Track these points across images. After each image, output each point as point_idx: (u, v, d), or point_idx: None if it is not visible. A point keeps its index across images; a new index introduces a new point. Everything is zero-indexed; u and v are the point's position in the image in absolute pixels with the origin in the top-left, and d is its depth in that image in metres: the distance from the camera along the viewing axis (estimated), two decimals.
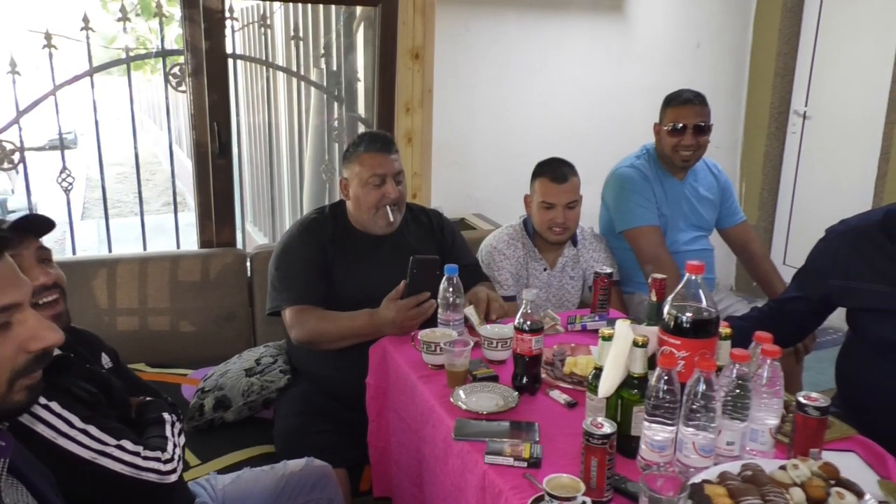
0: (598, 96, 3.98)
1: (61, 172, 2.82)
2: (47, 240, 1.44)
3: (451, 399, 1.54)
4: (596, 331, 1.91)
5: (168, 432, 1.43)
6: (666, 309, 1.33)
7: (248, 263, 2.70)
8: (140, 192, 3.01)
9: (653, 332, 1.37)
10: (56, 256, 1.49)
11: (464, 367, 1.62)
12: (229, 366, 2.35)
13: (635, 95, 3.94)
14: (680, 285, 1.33)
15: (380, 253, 2.15)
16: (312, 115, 3.62)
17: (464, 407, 1.50)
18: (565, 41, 3.84)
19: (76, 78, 2.69)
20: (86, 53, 2.66)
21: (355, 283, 2.07)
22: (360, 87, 3.32)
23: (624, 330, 1.34)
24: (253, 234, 5.17)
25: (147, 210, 2.98)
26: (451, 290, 1.80)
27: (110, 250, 2.96)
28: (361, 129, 3.21)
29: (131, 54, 2.86)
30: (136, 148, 2.89)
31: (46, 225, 1.38)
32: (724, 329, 1.37)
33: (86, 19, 2.65)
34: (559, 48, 3.84)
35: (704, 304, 1.31)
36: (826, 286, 1.75)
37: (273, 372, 2.24)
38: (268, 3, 2.92)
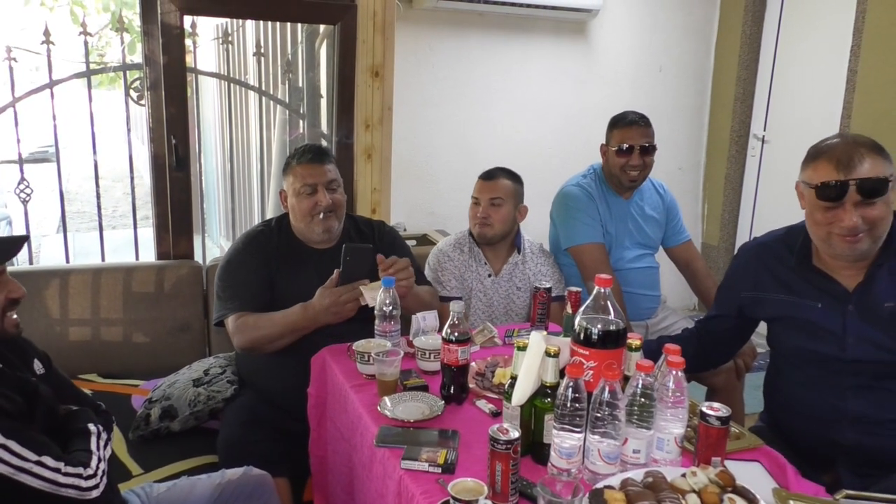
0: (559, 117, 4.07)
1: (19, 184, 2.85)
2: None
3: (378, 407, 1.57)
4: None
5: (93, 445, 1.44)
6: (576, 321, 1.38)
7: (204, 275, 2.74)
8: (99, 205, 3.04)
9: (567, 343, 1.42)
10: (8, 267, 1.53)
11: (394, 377, 1.66)
12: (178, 376, 2.37)
13: (597, 118, 3.98)
14: (590, 298, 1.38)
15: (322, 264, 2.18)
16: (277, 130, 3.67)
17: (389, 415, 1.54)
18: (528, 63, 3.93)
19: (35, 90, 2.73)
20: (64, 65, 2.71)
21: (298, 295, 2.10)
22: (324, 103, 3.37)
23: (537, 340, 1.38)
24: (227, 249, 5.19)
25: (124, 224, 3.04)
26: (388, 301, 1.84)
27: (67, 261, 2.98)
28: (324, 144, 3.26)
29: (93, 68, 2.90)
30: (94, 160, 2.91)
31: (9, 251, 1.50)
32: (634, 341, 1.42)
33: (46, 32, 2.69)
34: (522, 69, 3.92)
35: (612, 316, 1.36)
36: (738, 298, 1.83)
37: (220, 382, 2.27)
38: (231, 20, 2.96)
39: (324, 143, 3.25)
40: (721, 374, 2.33)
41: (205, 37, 4.13)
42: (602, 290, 1.36)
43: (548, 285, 2.11)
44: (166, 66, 2.63)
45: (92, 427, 1.50)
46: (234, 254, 2.23)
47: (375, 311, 1.86)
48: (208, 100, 5.50)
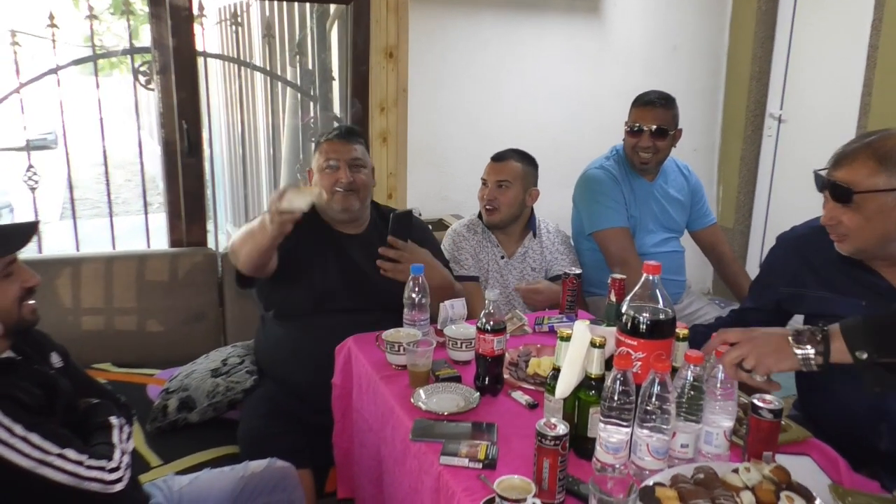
0: (573, 98, 3.98)
1: (27, 170, 2.79)
2: None
3: (412, 399, 1.52)
4: None
5: (115, 438, 1.40)
6: (623, 309, 1.32)
7: (219, 263, 2.68)
8: (108, 192, 2.98)
9: (611, 332, 1.37)
10: (20, 256, 1.49)
11: (426, 368, 1.61)
12: (196, 366, 2.32)
13: (611, 98, 3.94)
14: (637, 286, 1.32)
15: (344, 250, 2.15)
16: (288, 114, 3.59)
17: (424, 407, 1.49)
18: (540, 42, 3.84)
19: (41, 76, 2.66)
20: (65, 50, 2.63)
21: (316, 275, 2.08)
22: (336, 85, 3.30)
23: (581, 330, 1.33)
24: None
25: (130, 210, 2.99)
26: (416, 289, 1.79)
27: (77, 248, 2.92)
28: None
29: (100, 52, 2.82)
30: (103, 147, 2.85)
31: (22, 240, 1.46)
32: (682, 330, 1.36)
33: (51, 16, 2.62)
34: (534, 49, 3.84)
35: (661, 304, 1.31)
36: (777, 293, 1.76)
37: (239, 373, 2.22)
38: (240, 1, 2.88)
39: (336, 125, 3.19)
40: None
41: (210, 19, 4.04)
42: (651, 278, 1.31)
43: (578, 271, 2.06)
44: (175, 50, 2.56)
45: (114, 420, 1.46)
46: None
47: (404, 300, 1.81)
48: (214, 84, 5.42)
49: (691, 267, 2.96)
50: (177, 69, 2.58)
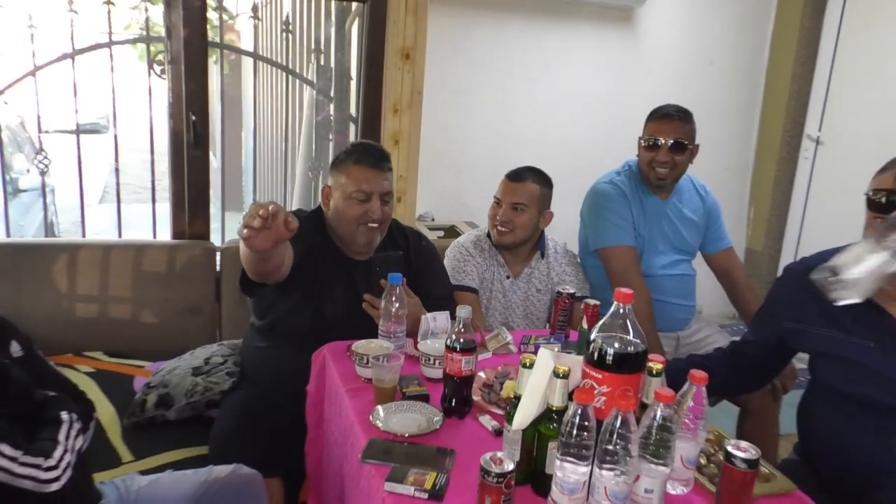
0: (601, 109, 3.87)
1: (37, 154, 2.80)
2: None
3: (370, 417, 1.45)
4: None
5: (62, 435, 1.35)
6: (593, 335, 1.23)
7: (218, 257, 2.65)
8: (117, 179, 2.97)
9: (580, 362, 1.27)
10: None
11: (392, 384, 1.53)
12: (180, 362, 2.29)
13: (640, 110, 3.76)
14: (608, 314, 1.23)
15: (351, 276, 2.04)
16: (306, 110, 3.56)
17: (381, 427, 1.42)
18: (570, 50, 3.74)
19: (55, 60, 2.66)
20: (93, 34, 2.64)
21: (318, 298, 1.98)
22: (354, 85, 3.25)
23: (545, 358, 1.24)
24: None
25: (161, 198, 3.00)
26: (393, 300, 1.71)
27: (119, 232, 2.95)
28: (352, 128, 3.14)
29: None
30: (115, 134, 2.85)
31: None
32: (656, 364, 1.26)
33: (70, 1, 2.62)
34: (563, 57, 3.74)
35: (632, 336, 1.21)
36: (779, 328, 1.64)
37: (220, 373, 2.17)
38: None
39: (352, 126, 3.14)
40: (756, 395, 2.15)
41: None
42: (622, 307, 1.21)
43: (571, 290, 1.96)
44: (186, 40, 2.54)
45: (65, 415, 1.41)
46: None
47: (381, 309, 1.73)
48: (248, 77, 5.44)
49: (713, 291, 2.81)
50: (187, 60, 2.55)
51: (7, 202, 2.93)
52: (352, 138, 3.12)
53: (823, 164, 4.02)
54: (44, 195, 3.19)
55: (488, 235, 2.43)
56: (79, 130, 2.90)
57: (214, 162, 3.30)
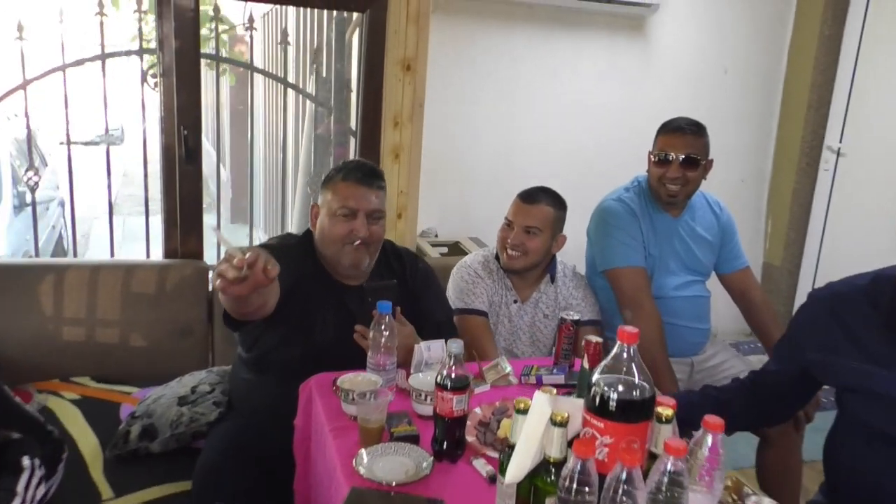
0: (611, 119, 3.74)
1: (27, 171, 2.73)
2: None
3: (353, 462, 1.33)
4: (554, 386, 1.70)
5: (21, 485, 1.25)
6: (592, 381, 1.10)
7: (211, 277, 2.55)
8: (109, 193, 2.89)
9: (580, 407, 1.15)
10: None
11: (378, 424, 1.41)
12: (166, 390, 2.18)
13: (652, 121, 3.63)
14: (610, 355, 1.10)
15: (348, 304, 1.90)
16: (306, 124, 3.47)
17: (363, 473, 1.30)
18: (579, 60, 3.62)
19: (45, 74, 2.58)
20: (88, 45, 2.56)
21: (315, 333, 1.85)
22: (354, 96, 3.15)
23: (541, 403, 1.12)
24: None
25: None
26: (382, 328, 1.59)
27: (112, 245, 2.92)
28: (352, 141, 3.04)
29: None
30: (107, 148, 2.76)
31: None
32: (666, 410, 1.13)
33: (60, 12, 2.54)
34: (572, 67, 3.62)
35: (638, 379, 1.08)
36: (804, 358, 1.51)
37: (206, 403, 2.06)
38: (252, 3, 2.76)
39: (352, 140, 3.03)
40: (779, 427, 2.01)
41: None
42: (626, 348, 1.08)
43: (575, 317, 1.84)
44: (178, 52, 2.45)
45: (27, 462, 1.31)
46: (274, 243, 1.99)
47: (370, 340, 1.62)
48: (257, 89, 5.37)
49: (726, 308, 2.66)
50: (178, 71, 2.46)
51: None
52: (352, 152, 3.02)
53: (845, 177, 3.87)
54: (34, 210, 3.09)
55: (496, 257, 2.31)
56: (95, 142, 2.82)
57: (224, 174, 3.23)
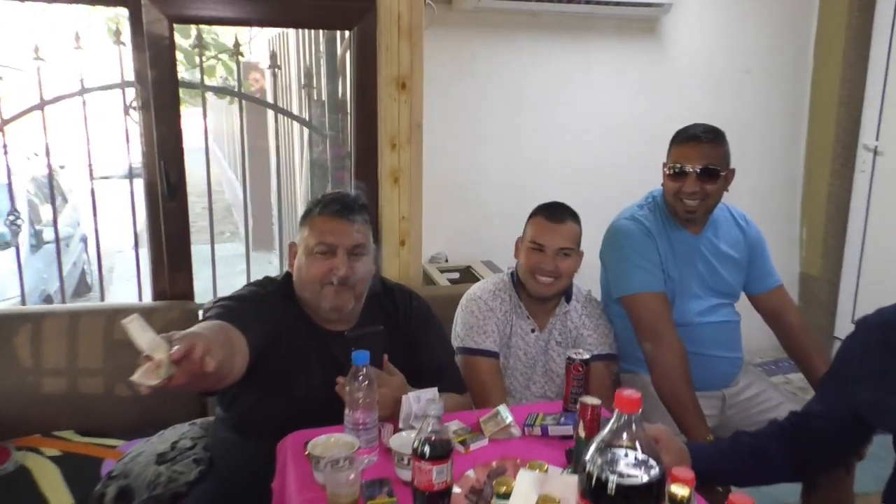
0: (626, 131, 3.53)
1: (9, 215, 2.61)
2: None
3: None
4: (561, 438, 1.50)
5: None
6: (587, 457, 0.90)
7: (200, 319, 2.39)
8: (96, 227, 2.75)
9: (574, 486, 0.94)
10: None
11: (351, 498, 1.22)
12: (145, 447, 2.02)
13: (671, 130, 3.45)
14: (609, 425, 0.90)
15: (334, 352, 1.70)
16: (305, 148, 3.32)
17: None
18: (589, 68, 3.42)
19: (25, 112, 2.47)
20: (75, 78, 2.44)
21: (297, 387, 1.65)
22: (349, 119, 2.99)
23: (526, 483, 0.91)
24: None
25: (198, 241, 2.77)
26: (359, 382, 1.40)
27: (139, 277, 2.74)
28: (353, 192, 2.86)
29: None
30: (91, 187, 2.64)
31: None
32: (681, 490, 0.92)
33: (35, 49, 2.43)
34: (582, 76, 3.42)
35: (640, 453, 0.88)
36: (854, 398, 1.29)
37: (186, 461, 1.89)
38: (240, 29, 2.62)
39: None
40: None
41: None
42: (627, 418, 0.88)
43: (585, 356, 1.63)
44: (154, 82, 2.31)
45: None
46: (250, 292, 1.76)
47: (346, 395, 1.43)
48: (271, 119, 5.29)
49: (751, 323, 2.41)
50: (156, 103, 2.32)
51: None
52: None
53: (885, 176, 3.59)
54: (58, 248, 2.98)
55: (514, 283, 2.11)
56: (127, 176, 2.68)
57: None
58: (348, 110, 2.89)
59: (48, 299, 5.37)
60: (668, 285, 2.02)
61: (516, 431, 1.54)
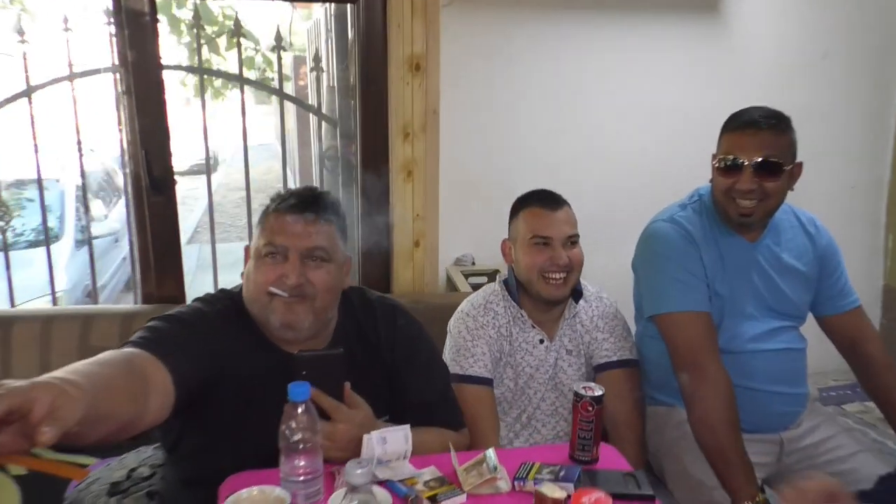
0: (679, 123, 3.12)
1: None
2: None
3: None
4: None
5: None
6: None
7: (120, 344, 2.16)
8: (88, 222, 2.56)
9: None
10: None
11: None
12: (104, 472, 1.78)
13: None
14: None
15: (294, 374, 1.31)
16: (314, 140, 3.06)
17: None
18: (636, 51, 3.04)
19: (11, 98, 2.30)
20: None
21: (252, 428, 1.30)
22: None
23: None
24: None
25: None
26: (295, 424, 1.11)
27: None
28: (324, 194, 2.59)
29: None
30: (82, 181, 2.45)
31: None
32: None
33: (20, 31, 2.25)
34: (628, 62, 3.04)
35: None
36: None
37: (138, 494, 1.64)
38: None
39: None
40: None
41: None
42: None
43: (598, 392, 1.31)
44: (135, 65, 2.10)
45: None
46: (191, 311, 1.46)
47: (279, 438, 1.14)
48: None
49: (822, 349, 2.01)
50: (136, 88, 2.11)
51: None
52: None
53: None
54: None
55: (507, 290, 1.81)
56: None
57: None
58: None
59: (91, 295, 5.36)
60: (714, 304, 1.65)
61: (504, 486, 1.23)
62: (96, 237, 6.42)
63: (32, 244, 5.26)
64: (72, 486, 1.87)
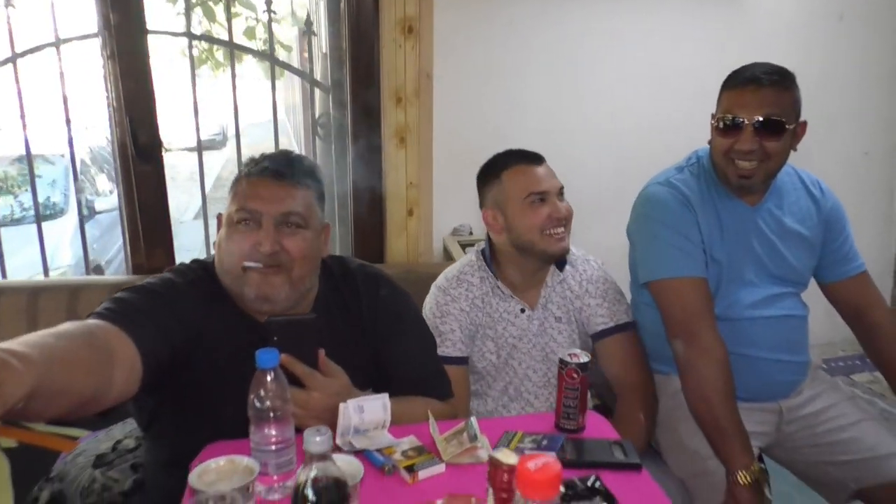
0: (692, 89, 3.02)
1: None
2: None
3: None
4: None
5: None
6: None
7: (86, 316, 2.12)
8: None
9: None
10: None
11: None
12: (91, 444, 1.77)
13: None
14: None
15: (268, 344, 1.27)
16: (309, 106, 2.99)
17: None
18: (648, 14, 2.93)
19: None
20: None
21: (229, 403, 1.20)
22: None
23: None
24: None
25: None
26: (264, 391, 1.07)
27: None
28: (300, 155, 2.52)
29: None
30: (70, 142, 2.40)
31: None
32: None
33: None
34: (639, 24, 2.94)
35: None
36: None
37: (123, 466, 1.62)
38: None
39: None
40: None
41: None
42: None
43: (583, 359, 1.25)
44: (117, 28, 2.04)
45: None
46: (162, 281, 1.40)
47: (249, 408, 1.10)
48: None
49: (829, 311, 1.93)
50: (119, 52, 2.05)
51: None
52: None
53: None
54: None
55: (482, 257, 1.76)
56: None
57: None
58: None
59: (98, 269, 5.36)
60: (711, 270, 1.58)
61: (485, 455, 1.18)
62: (100, 212, 6.42)
63: (42, 219, 5.27)
64: (60, 458, 1.86)
